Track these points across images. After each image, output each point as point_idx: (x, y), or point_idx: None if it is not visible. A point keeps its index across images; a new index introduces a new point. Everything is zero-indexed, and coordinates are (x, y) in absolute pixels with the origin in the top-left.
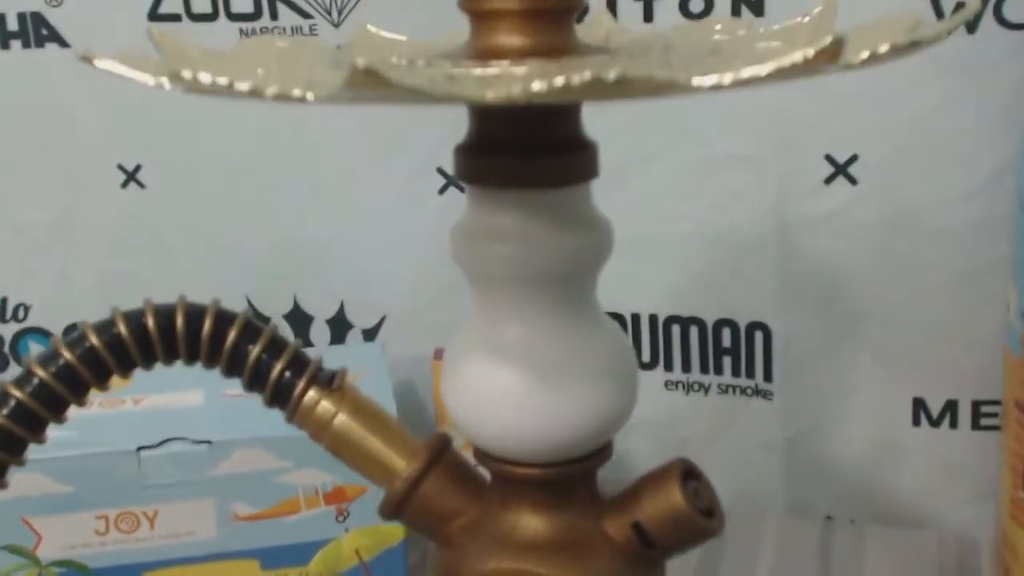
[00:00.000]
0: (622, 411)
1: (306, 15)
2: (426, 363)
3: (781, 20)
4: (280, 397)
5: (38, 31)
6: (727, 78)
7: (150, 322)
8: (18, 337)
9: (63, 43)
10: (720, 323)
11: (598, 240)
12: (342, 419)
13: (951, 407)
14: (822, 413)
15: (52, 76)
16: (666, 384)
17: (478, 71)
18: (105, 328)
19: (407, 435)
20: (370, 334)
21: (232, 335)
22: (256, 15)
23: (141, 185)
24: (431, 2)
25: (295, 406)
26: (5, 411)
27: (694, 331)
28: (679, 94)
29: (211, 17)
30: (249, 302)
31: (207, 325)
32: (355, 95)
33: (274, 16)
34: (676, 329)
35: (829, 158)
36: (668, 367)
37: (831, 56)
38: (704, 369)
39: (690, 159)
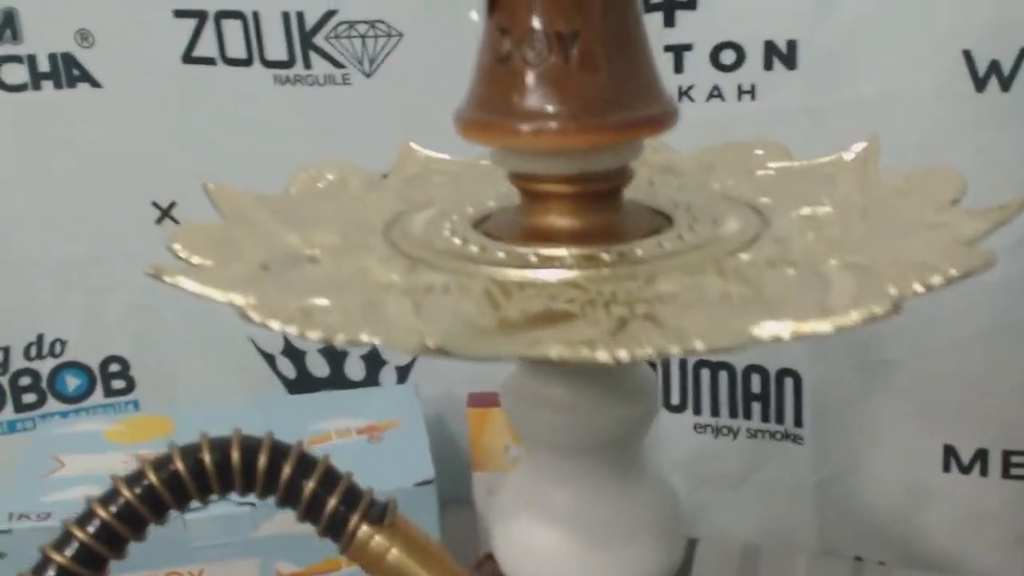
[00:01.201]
0: (668, 566)
1: (339, 64)
2: (459, 401)
3: (813, 75)
4: (334, 530)
5: (69, 71)
6: (787, 331)
7: (206, 458)
8: (56, 372)
9: (95, 83)
10: (750, 369)
11: (646, 407)
12: (395, 554)
13: (981, 455)
14: (853, 457)
15: (84, 115)
16: (695, 427)
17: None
18: (162, 465)
19: (457, 568)
20: (404, 371)
21: (287, 470)
22: (290, 63)
23: (176, 222)
24: (460, 53)
25: (349, 540)
26: (68, 552)
27: (723, 376)
28: (740, 348)
29: (245, 63)
30: (285, 336)
31: (263, 460)
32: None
33: (307, 65)
34: (706, 374)
35: None
36: (697, 411)
37: (891, 313)
38: (733, 414)
39: None
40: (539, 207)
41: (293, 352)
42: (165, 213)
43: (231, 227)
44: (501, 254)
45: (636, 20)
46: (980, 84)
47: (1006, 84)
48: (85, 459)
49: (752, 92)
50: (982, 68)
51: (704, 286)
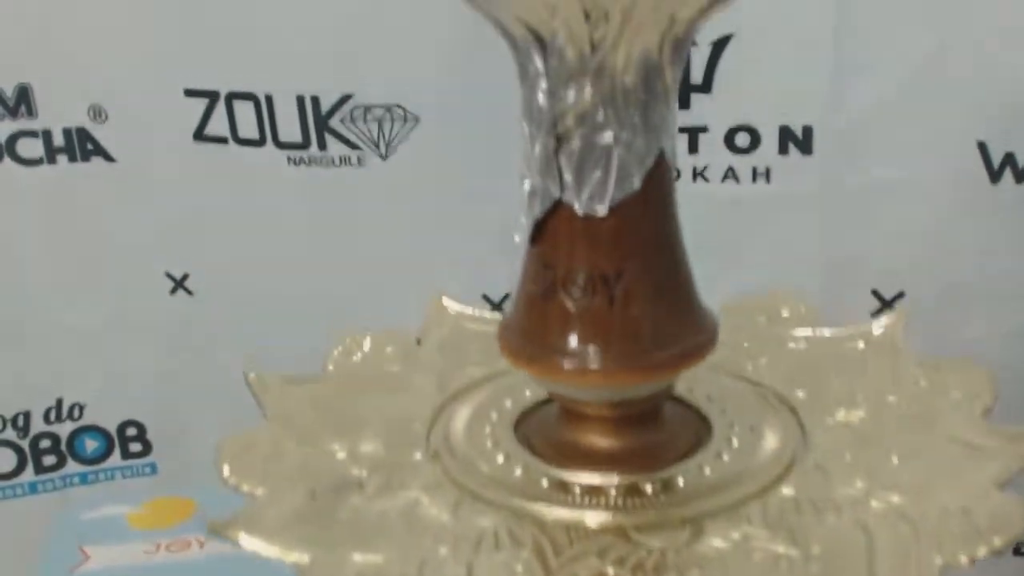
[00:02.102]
0: None
1: (354, 146)
2: None
3: (828, 160)
4: None
5: (84, 146)
6: None
7: None
8: (74, 435)
9: (108, 157)
10: None
11: None
12: None
13: None
14: None
15: (98, 188)
16: None
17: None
18: None
19: None
20: None
21: None
22: (304, 144)
23: (189, 292)
24: (476, 138)
25: None
26: None
27: None
28: None
29: (258, 143)
30: None
31: None
32: None
33: (322, 146)
34: None
35: (876, 293)
36: None
37: None
38: None
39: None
40: (579, 425)
41: None
42: (179, 284)
43: (276, 435)
44: (544, 482)
45: (681, 257)
46: (995, 175)
47: (1020, 176)
48: (109, 550)
49: (767, 175)
50: (997, 159)
51: (751, 543)
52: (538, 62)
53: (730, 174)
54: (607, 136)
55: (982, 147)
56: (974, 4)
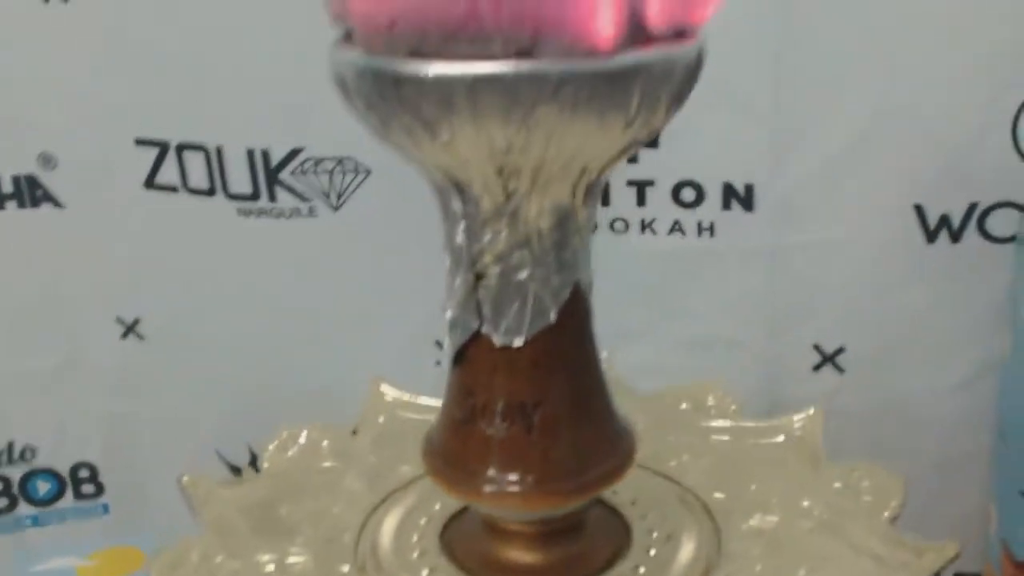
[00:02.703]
0: None
1: (304, 198)
2: None
3: (769, 217)
4: None
5: (33, 193)
6: None
7: None
8: (27, 478)
9: (57, 203)
10: None
11: None
12: None
13: None
14: None
15: (48, 233)
16: None
17: None
18: None
19: None
20: None
21: None
22: (255, 196)
23: (140, 337)
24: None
25: None
26: None
27: None
28: None
29: (208, 192)
30: (251, 449)
31: None
32: None
33: (272, 198)
34: None
35: (817, 348)
36: None
37: None
38: None
39: (679, 338)
40: (501, 539)
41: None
42: (130, 329)
43: (207, 547)
44: None
45: (598, 381)
46: (931, 236)
47: (955, 236)
48: None
49: (712, 229)
50: (933, 221)
51: None
52: (456, 204)
53: (676, 227)
54: (523, 274)
55: (918, 209)
56: (910, 71)
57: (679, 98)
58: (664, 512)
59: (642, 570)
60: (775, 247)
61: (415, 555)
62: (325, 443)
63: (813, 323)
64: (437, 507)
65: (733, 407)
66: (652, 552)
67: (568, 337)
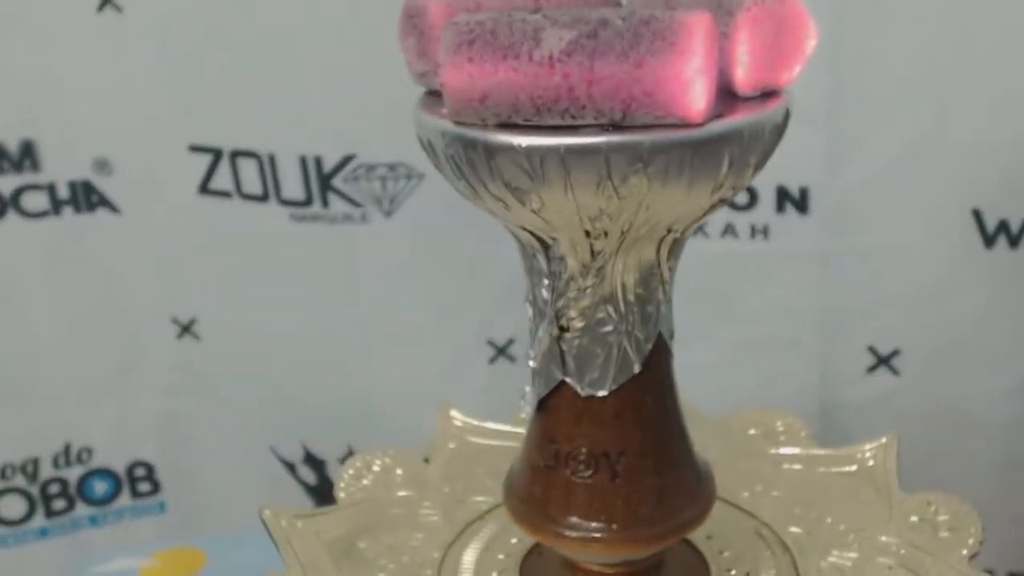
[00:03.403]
0: None
1: (356, 204)
2: None
3: (824, 221)
4: None
5: (88, 198)
6: None
7: None
8: (83, 479)
9: (113, 208)
10: None
11: None
12: None
13: None
14: None
15: (104, 238)
16: None
17: None
18: None
19: None
20: None
21: None
22: (307, 202)
23: (196, 337)
24: None
25: None
26: None
27: None
28: None
29: (262, 198)
30: (304, 446)
31: None
32: None
33: (325, 204)
34: None
35: (872, 350)
36: None
37: None
38: None
39: (732, 340)
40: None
41: (313, 461)
42: (185, 329)
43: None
44: None
45: (680, 429)
46: (989, 241)
47: (1015, 241)
48: None
49: (765, 232)
50: (991, 226)
51: None
52: (542, 262)
53: (729, 230)
54: (607, 328)
55: (976, 214)
56: (968, 77)
57: (766, 157)
58: (741, 548)
59: None
60: (829, 250)
61: None
62: (399, 472)
63: (868, 325)
64: (514, 541)
65: (803, 433)
66: None
67: (651, 387)
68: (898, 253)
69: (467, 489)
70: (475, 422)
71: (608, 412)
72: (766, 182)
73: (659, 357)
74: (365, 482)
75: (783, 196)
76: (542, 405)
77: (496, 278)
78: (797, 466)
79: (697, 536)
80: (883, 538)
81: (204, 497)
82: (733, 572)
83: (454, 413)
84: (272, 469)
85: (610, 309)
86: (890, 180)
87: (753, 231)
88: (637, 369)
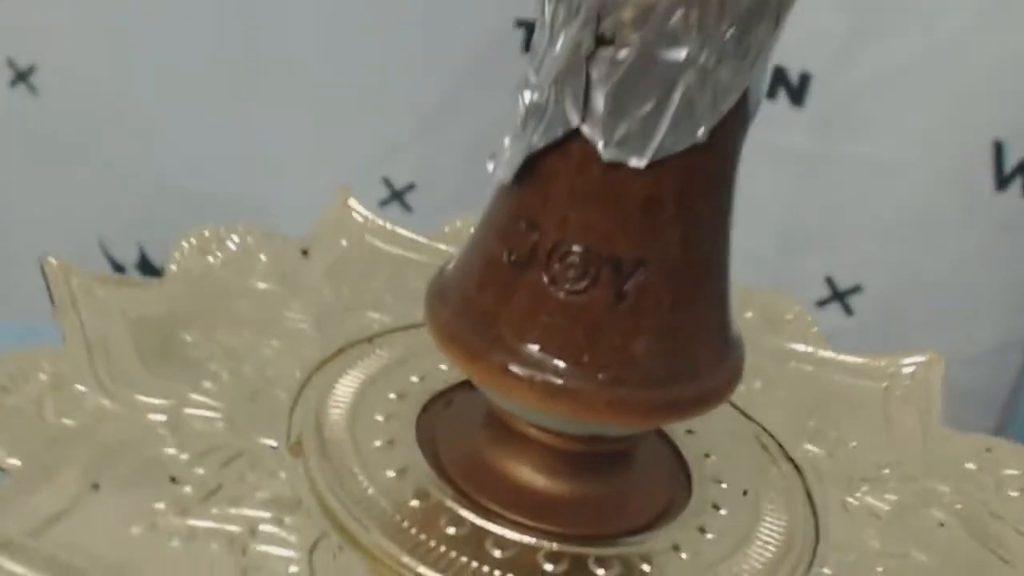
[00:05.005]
0: None
1: None
2: None
3: (823, 115)
4: None
5: None
6: None
7: None
8: None
9: None
10: None
11: None
12: None
13: None
14: None
15: None
16: None
17: None
18: None
19: None
20: None
21: None
22: None
23: (32, 89)
24: None
25: None
26: None
27: None
28: None
29: None
30: (143, 251)
31: None
32: None
33: None
34: None
35: (829, 281)
36: None
37: None
38: None
39: None
40: (515, 449)
41: (150, 269)
42: (22, 77)
43: (69, 366)
44: (449, 526)
45: (726, 258)
46: (1002, 181)
47: None
48: None
49: None
50: (1011, 163)
51: None
52: None
53: None
54: (678, 53)
55: (997, 146)
56: None
57: None
58: (735, 456)
59: (710, 536)
60: (815, 155)
61: (377, 443)
62: (263, 257)
63: (834, 250)
64: (415, 380)
65: (814, 329)
66: (723, 510)
67: (711, 174)
68: (892, 172)
69: (357, 300)
70: (381, 222)
71: (636, 195)
72: None
73: (733, 131)
74: (211, 259)
75: (779, 80)
76: (528, 169)
77: (421, 98)
78: (808, 367)
79: (676, 427)
80: (931, 483)
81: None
82: (724, 485)
83: (354, 204)
84: (100, 268)
85: (692, 16)
86: (906, 83)
87: None
88: (701, 136)
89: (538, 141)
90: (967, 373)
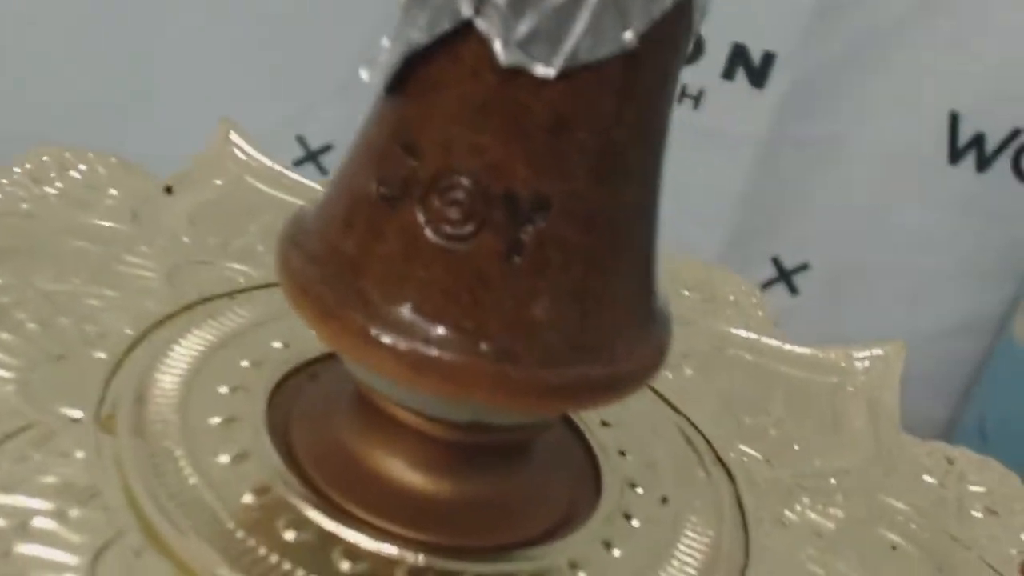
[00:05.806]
0: None
1: None
2: None
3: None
4: None
5: None
6: None
7: None
8: None
9: None
10: None
11: None
12: None
13: None
14: None
15: None
16: None
17: None
18: None
19: None
20: None
21: None
22: None
23: None
24: None
25: None
26: None
27: None
28: None
29: None
30: None
31: None
32: None
33: None
34: None
35: (776, 261)
36: None
37: None
38: None
39: None
40: (385, 435)
41: None
42: None
43: None
44: (288, 531)
45: (654, 214)
46: (956, 155)
47: (983, 163)
48: None
49: (697, 99)
50: (965, 136)
51: None
52: None
53: None
54: None
55: (953, 118)
56: None
57: None
58: (654, 454)
59: (617, 553)
60: (770, 137)
61: (216, 421)
62: (113, 191)
63: (782, 229)
64: (279, 346)
65: (760, 313)
66: (634, 520)
67: (641, 92)
68: (844, 147)
69: (222, 249)
70: (269, 162)
71: (541, 114)
72: (721, 35)
73: (674, 36)
74: (47, 189)
75: (738, 58)
76: (409, 76)
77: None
78: (749, 356)
79: (589, 418)
80: (884, 498)
81: None
82: (640, 491)
83: (236, 139)
84: None
85: None
86: (867, 61)
87: (682, 94)
88: (629, 40)
89: (419, 37)
90: (917, 357)
